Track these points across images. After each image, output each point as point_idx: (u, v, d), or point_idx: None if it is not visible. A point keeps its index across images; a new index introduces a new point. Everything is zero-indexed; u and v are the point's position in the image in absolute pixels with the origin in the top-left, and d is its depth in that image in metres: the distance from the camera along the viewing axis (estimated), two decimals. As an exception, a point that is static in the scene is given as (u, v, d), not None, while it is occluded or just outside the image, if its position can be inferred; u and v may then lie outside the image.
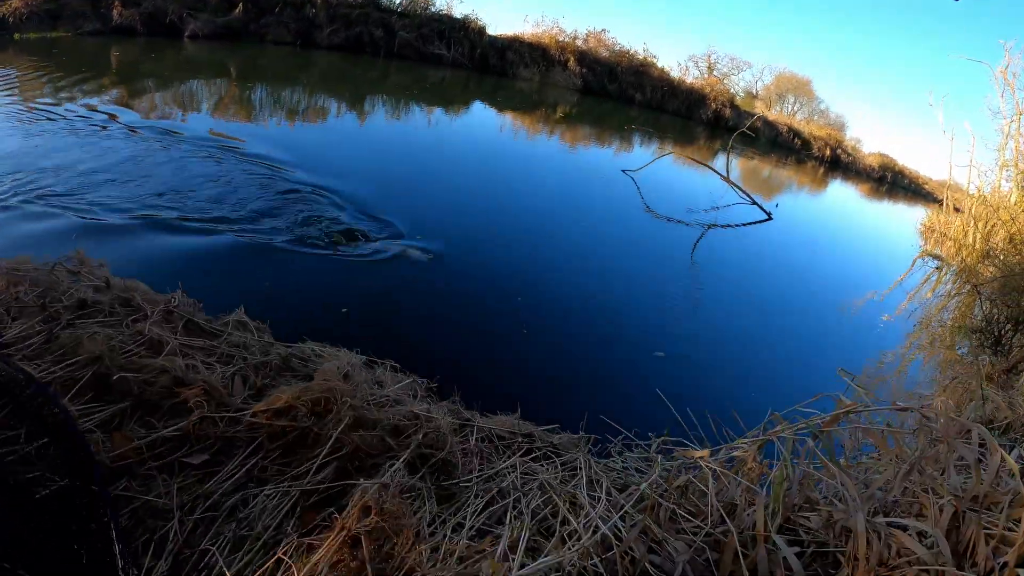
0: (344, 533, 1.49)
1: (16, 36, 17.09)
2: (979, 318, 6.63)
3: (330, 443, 1.84)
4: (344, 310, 3.59)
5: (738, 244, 7.84)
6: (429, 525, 1.72)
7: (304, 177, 6.05)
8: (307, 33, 18.46)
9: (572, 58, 22.41)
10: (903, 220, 17.66)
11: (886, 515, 1.69)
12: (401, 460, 1.87)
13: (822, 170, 28.81)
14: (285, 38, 18.32)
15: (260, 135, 7.40)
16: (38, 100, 7.49)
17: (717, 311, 5.28)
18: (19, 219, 3.99)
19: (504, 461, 2.08)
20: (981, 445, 1.69)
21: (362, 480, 1.74)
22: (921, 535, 1.55)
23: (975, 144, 15.72)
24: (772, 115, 33.74)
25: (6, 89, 8.08)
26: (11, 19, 17.73)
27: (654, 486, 1.85)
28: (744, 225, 8.41)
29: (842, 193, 23.13)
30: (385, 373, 2.50)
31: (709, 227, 7.90)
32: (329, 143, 8.00)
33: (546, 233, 5.98)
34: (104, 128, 6.79)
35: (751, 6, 61.97)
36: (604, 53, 23.62)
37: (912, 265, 10.69)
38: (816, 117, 41.51)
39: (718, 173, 9.55)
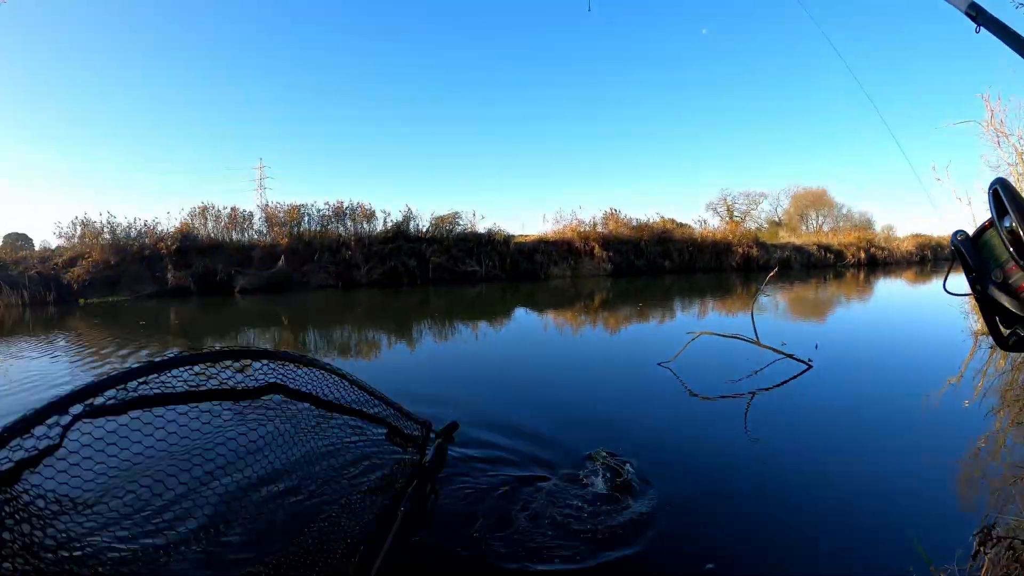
0: None
1: (81, 301, 18.71)
2: None
3: None
4: None
5: (793, 395, 7.54)
6: None
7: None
8: (346, 274, 19.84)
9: (596, 245, 23.42)
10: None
11: None
12: None
13: (862, 275, 28.60)
14: (328, 282, 19.54)
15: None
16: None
17: (797, 472, 4.78)
18: None
19: None
20: None
21: None
22: None
23: (992, 200, 15.39)
24: (799, 238, 34.18)
25: (83, 358, 8.77)
26: (75, 284, 19.54)
27: None
28: (787, 382, 8.06)
29: (888, 290, 22.85)
30: None
31: (753, 394, 7.54)
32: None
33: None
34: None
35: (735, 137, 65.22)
36: (625, 231, 24.58)
37: (976, 341, 10.20)
38: (842, 223, 42.03)
39: (745, 339, 9.32)
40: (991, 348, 9.91)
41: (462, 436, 5.59)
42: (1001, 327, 0.99)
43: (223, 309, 16.80)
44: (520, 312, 16.63)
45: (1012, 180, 12.83)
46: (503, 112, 65.04)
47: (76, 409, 1.24)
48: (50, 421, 1.22)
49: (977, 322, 13.05)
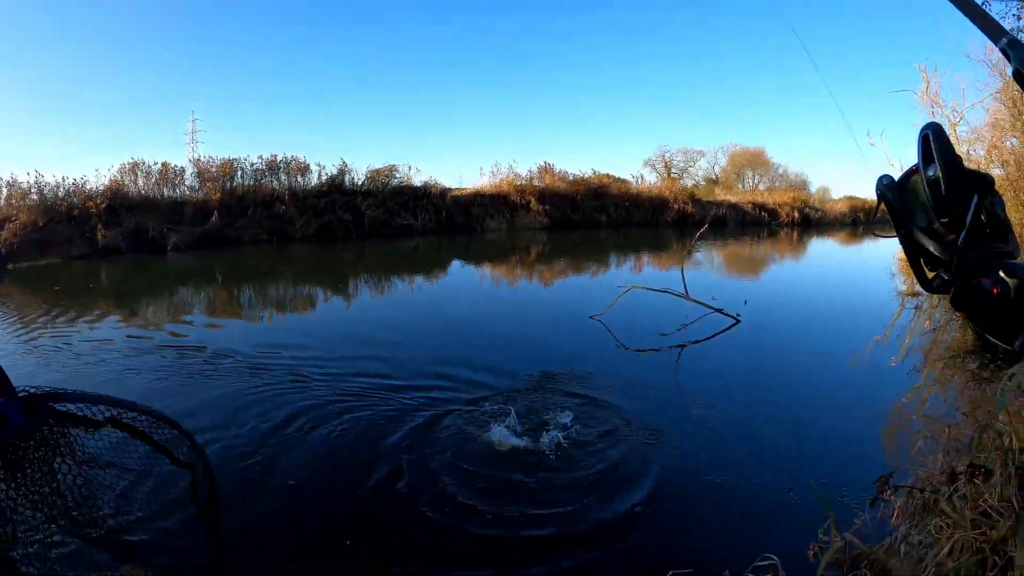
0: None
1: (10, 267, 17.85)
2: (974, 339, 6.87)
3: None
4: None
5: (723, 349, 7.80)
6: None
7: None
8: (281, 230, 19.56)
9: (532, 199, 23.55)
10: (886, 254, 17.87)
11: None
12: None
13: (795, 234, 29.43)
14: (262, 237, 19.19)
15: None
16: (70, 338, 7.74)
17: (718, 426, 4.99)
18: None
19: None
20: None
21: None
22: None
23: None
24: (735, 196, 34.85)
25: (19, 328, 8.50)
26: (2, 249, 18.61)
27: None
28: (716, 336, 8.27)
29: (820, 250, 23.82)
30: None
31: (682, 347, 7.77)
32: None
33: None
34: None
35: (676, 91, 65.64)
36: (561, 186, 24.69)
37: (903, 302, 10.78)
38: (778, 183, 42.86)
39: (675, 294, 9.50)
40: (916, 309, 10.25)
41: (395, 383, 5.73)
42: (926, 269, 0.98)
43: (155, 268, 16.47)
44: (456, 265, 16.76)
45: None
46: (438, 63, 63.64)
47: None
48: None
49: (904, 283, 13.55)
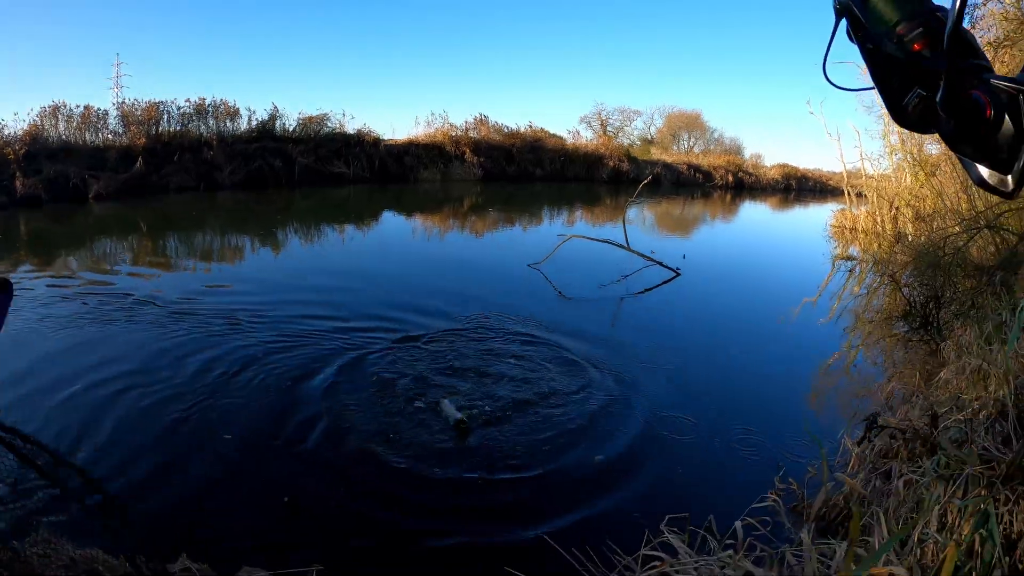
0: None
1: None
2: (903, 304, 7.15)
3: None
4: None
5: (661, 302, 8.02)
6: None
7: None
8: (208, 176, 19.07)
9: (468, 150, 23.58)
10: (817, 221, 18.80)
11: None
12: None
13: (729, 197, 30.29)
14: (188, 183, 18.72)
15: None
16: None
17: (658, 376, 5.09)
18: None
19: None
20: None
21: None
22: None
23: (861, 138, 16.93)
24: (670, 156, 35.41)
25: None
26: None
27: None
28: (655, 288, 8.56)
29: (753, 213, 24.69)
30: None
31: (621, 299, 7.80)
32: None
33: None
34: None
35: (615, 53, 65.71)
36: (496, 138, 24.75)
37: (834, 266, 11.39)
38: (713, 146, 43.66)
39: (616, 244, 9.72)
40: (848, 272, 10.80)
41: (328, 329, 5.75)
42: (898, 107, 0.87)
43: (77, 217, 15.97)
44: (389, 215, 16.80)
45: (883, 122, 13.08)
46: (371, 7, 61.68)
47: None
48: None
49: (837, 248, 14.09)
